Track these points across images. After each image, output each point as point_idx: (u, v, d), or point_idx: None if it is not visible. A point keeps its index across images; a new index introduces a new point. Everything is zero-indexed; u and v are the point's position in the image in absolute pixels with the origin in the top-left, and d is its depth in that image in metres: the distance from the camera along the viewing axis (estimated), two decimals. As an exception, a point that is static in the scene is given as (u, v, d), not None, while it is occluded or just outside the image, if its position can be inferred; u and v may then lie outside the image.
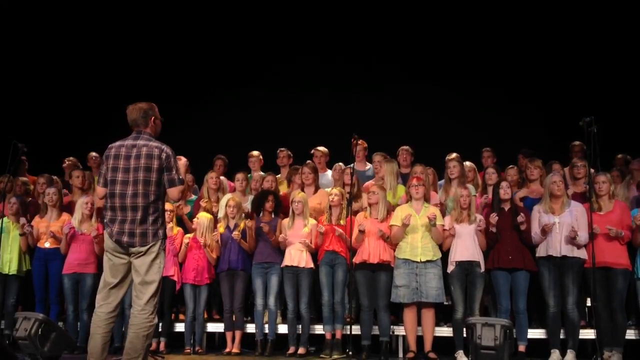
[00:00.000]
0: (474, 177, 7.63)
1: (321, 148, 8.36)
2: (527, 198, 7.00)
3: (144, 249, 4.60)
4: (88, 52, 10.26)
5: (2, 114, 9.67)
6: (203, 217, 7.24)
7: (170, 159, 4.68)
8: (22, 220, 7.39)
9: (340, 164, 7.98)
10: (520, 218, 6.33)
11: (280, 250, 7.06)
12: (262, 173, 8.20)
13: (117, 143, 4.77)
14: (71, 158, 8.85)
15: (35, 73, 10.13)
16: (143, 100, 4.87)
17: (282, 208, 7.34)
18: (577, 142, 7.93)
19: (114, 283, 4.66)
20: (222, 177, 8.09)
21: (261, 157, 8.51)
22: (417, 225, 6.57)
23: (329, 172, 8.23)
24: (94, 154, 8.83)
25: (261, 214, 7.22)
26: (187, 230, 7.41)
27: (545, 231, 6.30)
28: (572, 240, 6.23)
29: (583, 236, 6.26)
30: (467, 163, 7.60)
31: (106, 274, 4.70)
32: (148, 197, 4.61)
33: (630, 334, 6.49)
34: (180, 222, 7.53)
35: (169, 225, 7.21)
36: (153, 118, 4.81)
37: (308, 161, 7.89)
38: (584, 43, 9.21)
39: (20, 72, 10.06)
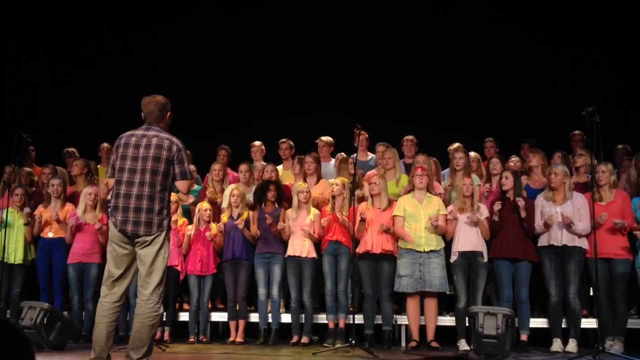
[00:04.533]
0: (477, 167, 7.64)
1: (325, 138, 8.37)
2: (528, 187, 7.01)
3: (149, 238, 4.58)
4: (91, 44, 10.26)
5: (6, 104, 9.69)
6: (204, 207, 7.28)
7: (182, 152, 4.68)
8: (27, 209, 7.42)
9: (342, 153, 8.00)
10: (520, 202, 6.34)
11: (282, 241, 7.09)
12: (264, 163, 8.22)
13: (128, 133, 4.76)
14: (71, 149, 8.84)
15: (40, 65, 10.14)
16: (145, 93, 4.89)
17: (285, 198, 7.36)
18: (577, 132, 7.92)
19: (118, 274, 4.63)
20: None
21: (263, 147, 8.51)
22: (421, 216, 6.60)
23: (333, 162, 8.24)
24: (106, 144, 8.69)
25: (264, 204, 7.24)
26: (191, 221, 7.44)
27: (548, 224, 6.32)
28: (568, 228, 6.26)
29: (581, 226, 6.29)
30: (472, 153, 7.60)
31: (110, 265, 4.67)
32: (155, 187, 4.60)
33: (632, 323, 6.52)
34: (186, 213, 7.56)
35: (174, 217, 7.25)
36: (169, 113, 4.84)
37: (312, 153, 7.87)
38: (586, 32, 9.17)
39: (24, 64, 10.07)
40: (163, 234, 4.63)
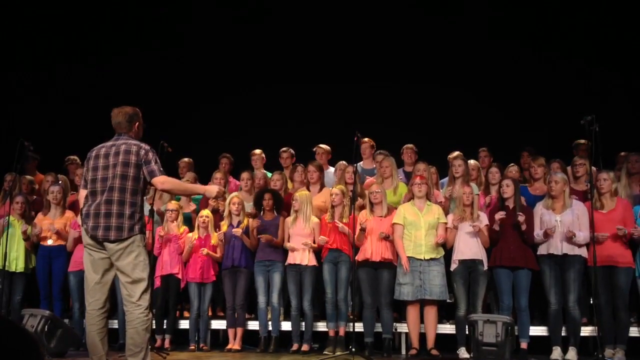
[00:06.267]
0: (477, 176, 7.65)
1: (323, 145, 8.39)
2: (528, 194, 7.02)
3: (119, 247, 4.60)
4: (91, 50, 10.32)
5: (8, 112, 9.72)
6: (202, 214, 7.33)
7: (149, 154, 4.71)
8: (24, 227, 7.45)
9: (344, 162, 8.02)
10: (520, 217, 6.37)
11: (282, 249, 7.11)
12: (264, 171, 8.25)
13: (99, 145, 4.84)
14: (73, 157, 8.88)
15: (41, 70, 10.19)
16: (130, 104, 4.95)
17: (284, 206, 7.38)
18: (582, 141, 7.74)
19: (97, 279, 4.68)
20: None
21: (263, 155, 8.54)
22: (421, 224, 6.62)
23: (331, 169, 8.27)
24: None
25: (262, 213, 7.27)
26: (192, 229, 7.46)
27: (548, 234, 6.34)
28: (570, 240, 6.28)
29: (582, 235, 6.30)
30: (472, 162, 7.62)
31: (88, 271, 4.72)
32: (125, 192, 4.63)
33: (633, 332, 6.52)
34: (187, 220, 7.59)
35: (173, 223, 7.28)
36: (137, 123, 4.89)
37: (315, 161, 7.90)
38: (586, 38, 9.24)
39: (26, 69, 10.12)
40: (136, 240, 4.64)
